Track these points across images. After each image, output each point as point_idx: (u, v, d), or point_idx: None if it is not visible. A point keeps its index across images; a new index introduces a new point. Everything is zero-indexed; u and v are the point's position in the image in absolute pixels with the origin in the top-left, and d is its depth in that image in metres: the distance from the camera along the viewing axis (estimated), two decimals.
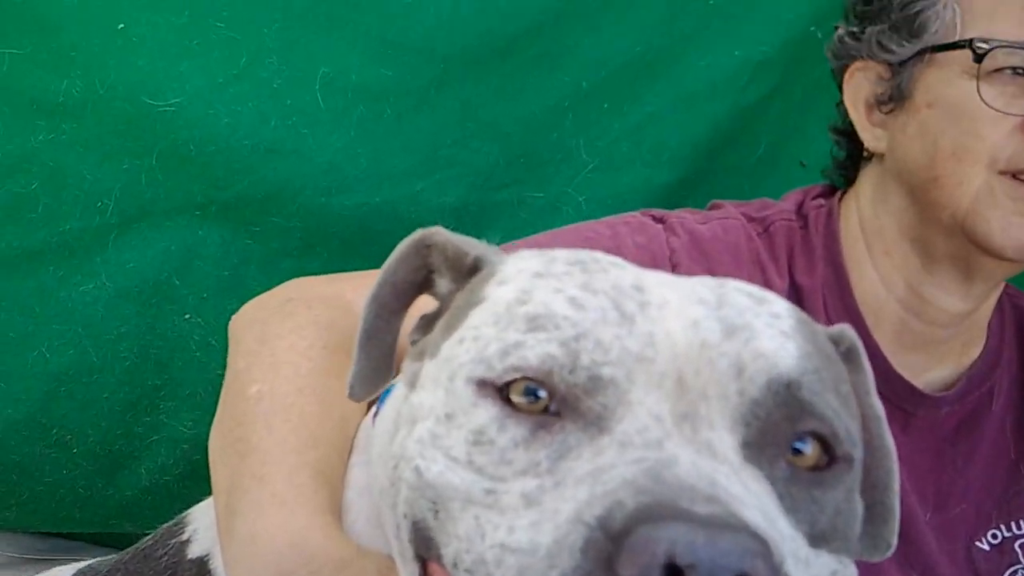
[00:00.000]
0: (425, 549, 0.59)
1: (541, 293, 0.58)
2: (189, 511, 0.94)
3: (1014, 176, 1.04)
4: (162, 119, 1.37)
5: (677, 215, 1.18)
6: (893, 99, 1.13)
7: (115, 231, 1.44)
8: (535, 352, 0.55)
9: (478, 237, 1.19)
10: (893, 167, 1.14)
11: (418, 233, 0.71)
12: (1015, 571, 1.15)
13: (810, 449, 0.56)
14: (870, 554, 0.70)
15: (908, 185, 1.12)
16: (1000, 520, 1.16)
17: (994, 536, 1.15)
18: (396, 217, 1.49)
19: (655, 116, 1.59)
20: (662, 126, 1.59)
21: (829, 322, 1.12)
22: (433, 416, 0.59)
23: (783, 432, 0.55)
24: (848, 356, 0.68)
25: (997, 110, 1.04)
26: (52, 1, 1.31)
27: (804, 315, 0.64)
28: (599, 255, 0.63)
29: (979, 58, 1.04)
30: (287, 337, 0.90)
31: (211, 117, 1.39)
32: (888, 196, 1.15)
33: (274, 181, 1.45)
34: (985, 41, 1.04)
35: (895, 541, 0.71)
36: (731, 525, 0.46)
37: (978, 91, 1.04)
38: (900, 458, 1.10)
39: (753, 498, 0.51)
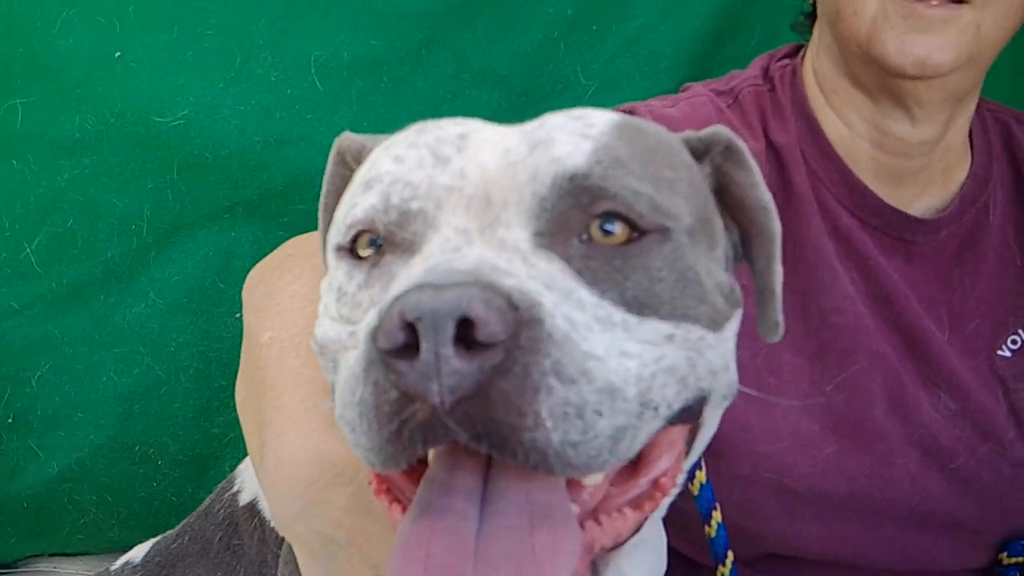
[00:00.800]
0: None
1: (379, 160, 0.66)
2: (238, 467, 1.01)
3: None
4: (174, 134, 1.42)
5: (646, 104, 1.21)
6: None
7: (153, 249, 1.49)
8: (361, 207, 0.64)
9: None
10: (820, 10, 1.17)
11: (335, 142, 0.79)
12: None
13: (617, 228, 0.61)
14: (764, 335, 0.76)
15: (828, 24, 1.14)
16: (1017, 325, 1.18)
17: (1014, 342, 1.18)
18: None
19: (645, 27, 1.60)
20: (654, 36, 1.60)
21: (811, 173, 1.15)
22: (325, 291, 0.69)
23: (574, 218, 0.61)
24: (728, 154, 0.73)
25: None
26: (49, 45, 1.36)
27: (635, 121, 0.68)
28: (450, 120, 0.69)
29: None
30: (289, 287, 0.96)
31: (219, 122, 1.43)
32: (823, 39, 1.18)
33: (290, 171, 1.49)
34: None
35: (781, 321, 0.75)
36: (462, 284, 0.51)
37: None
38: (909, 285, 1.15)
39: (537, 273, 0.57)
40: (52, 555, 1.71)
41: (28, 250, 1.45)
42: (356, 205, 0.65)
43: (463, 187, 0.62)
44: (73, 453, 1.57)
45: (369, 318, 0.58)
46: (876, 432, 1.13)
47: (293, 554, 0.81)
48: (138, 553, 1.06)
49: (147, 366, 1.55)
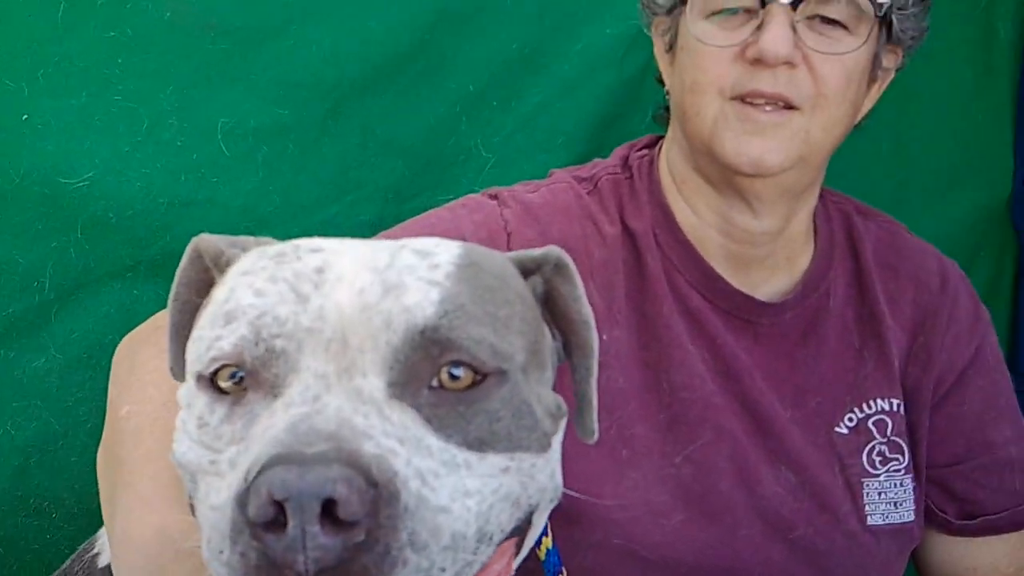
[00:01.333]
0: (195, 514, 0.71)
1: (239, 291, 0.69)
2: (98, 531, 1.03)
3: (742, 100, 1.14)
4: (79, 195, 1.45)
5: (510, 190, 1.29)
6: (672, 47, 1.26)
7: (55, 306, 1.51)
8: (229, 340, 0.66)
9: None
10: (671, 108, 1.27)
11: (192, 241, 0.82)
12: (872, 446, 1.26)
13: (462, 373, 0.66)
14: (581, 436, 0.81)
15: (677, 120, 1.24)
16: (853, 404, 1.26)
17: (850, 420, 1.26)
18: None
19: (543, 105, 1.69)
20: (551, 113, 1.70)
21: (665, 257, 1.23)
22: (184, 406, 0.72)
23: (424, 368, 0.66)
24: (557, 270, 0.79)
25: (707, 44, 1.15)
26: None
27: (474, 256, 0.73)
28: (305, 245, 0.72)
29: (688, 3, 1.17)
30: (151, 361, 0.99)
31: (124, 184, 1.47)
32: (675, 133, 1.27)
33: (194, 231, 1.44)
34: None
35: (595, 427, 0.82)
36: (326, 459, 0.56)
37: (691, 30, 1.17)
38: (756, 365, 1.24)
39: (390, 426, 0.62)
40: None
41: None
42: (220, 338, 0.66)
43: (322, 329, 0.65)
44: None
45: (232, 479, 0.62)
46: (722, 503, 1.20)
47: None
48: None
49: (45, 420, 1.56)
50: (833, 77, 1.13)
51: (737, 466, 1.21)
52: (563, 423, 0.77)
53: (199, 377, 0.69)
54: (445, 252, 0.72)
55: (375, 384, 0.64)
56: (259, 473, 0.57)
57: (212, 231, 1.52)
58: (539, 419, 0.72)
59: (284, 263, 0.70)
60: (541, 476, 0.71)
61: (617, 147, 1.39)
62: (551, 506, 0.77)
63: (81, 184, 1.44)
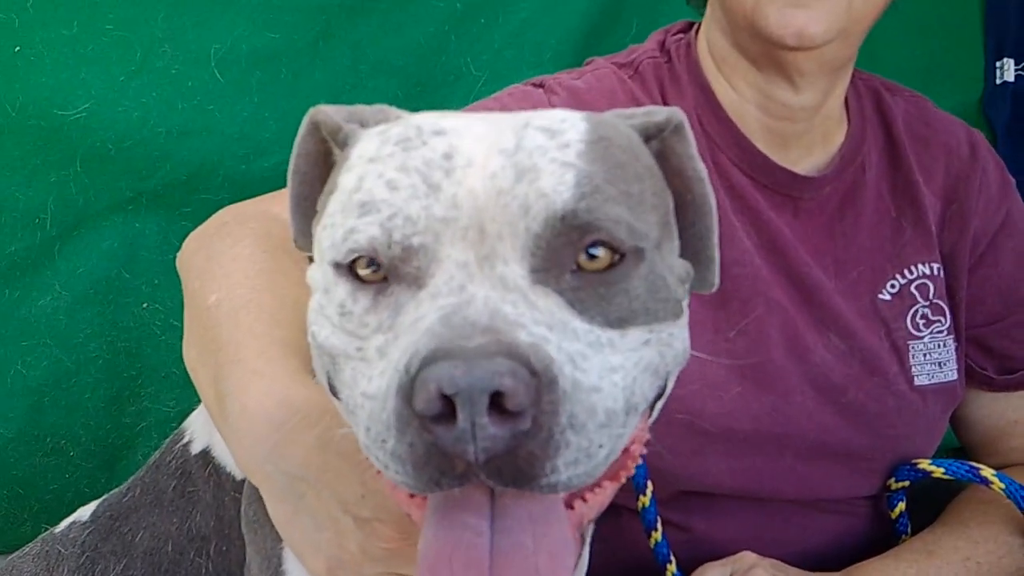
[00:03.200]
0: (335, 393, 0.72)
1: (369, 180, 0.69)
2: (186, 420, 1.04)
3: None
4: (76, 127, 1.44)
5: (555, 77, 1.29)
6: None
7: (58, 242, 1.51)
8: (364, 235, 0.67)
9: None
10: None
11: (309, 112, 0.80)
12: (915, 310, 1.30)
13: (600, 252, 0.67)
14: (699, 289, 0.83)
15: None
16: (895, 270, 1.30)
17: (892, 286, 1.30)
18: None
19: (529, 21, 1.70)
20: (538, 28, 1.71)
21: (708, 136, 1.25)
22: (319, 290, 0.72)
23: (565, 253, 0.67)
24: (675, 131, 0.79)
25: None
26: None
27: (602, 129, 0.72)
28: (427, 126, 0.71)
29: None
30: (230, 251, 0.99)
31: (121, 114, 1.46)
32: (714, 13, 1.27)
33: (193, 161, 1.53)
34: None
35: (717, 281, 0.84)
36: (490, 352, 0.58)
37: None
38: (797, 238, 1.26)
39: (539, 314, 0.63)
40: None
41: None
42: (355, 230, 0.67)
43: (457, 217, 0.66)
44: None
45: (382, 367, 0.64)
46: (776, 373, 1.23)
47: (257, 492, 0.86)
48: (85, 512, 1.08)
49: (55, 358, 1.57)
50: None
51: (788, 337, 1.24)
52: (689, 286, 0.78)
53: (337, 265, 0.70)
54: (573, 129, 0.71)
55: (517, 271, 0.65)
56: (422, 366, 0.59)
57: (211, 160, 1.55)
58: (672, 289, 0.73)
59: (411, 149, 0.69)
60: (676, 342, 0.73)
61: (652, 33, 1.38)
62: (680, 369, 0.78)
63: (77, 116, 1.44)
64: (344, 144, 0.77)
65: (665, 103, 1.26)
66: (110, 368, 1.60)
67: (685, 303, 0.76)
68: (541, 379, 0.59)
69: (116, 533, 1.01)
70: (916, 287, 1.30)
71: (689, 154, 0.79)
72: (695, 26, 1.35)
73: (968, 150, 1.35)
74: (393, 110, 0.79)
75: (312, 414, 0.80)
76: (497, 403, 0.57)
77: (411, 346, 0.61)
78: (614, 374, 0.65)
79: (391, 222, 0.66)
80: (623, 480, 0.72)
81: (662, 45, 1.33)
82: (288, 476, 0.81)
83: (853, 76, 1.32)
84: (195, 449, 0.98)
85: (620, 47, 1.57)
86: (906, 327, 1.29)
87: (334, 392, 0.72)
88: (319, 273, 0.73)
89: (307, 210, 0.80)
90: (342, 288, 0.69)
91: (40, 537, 1.10)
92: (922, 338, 1.30)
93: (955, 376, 1.31)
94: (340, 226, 0.69)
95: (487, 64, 1.69)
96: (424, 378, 0.58)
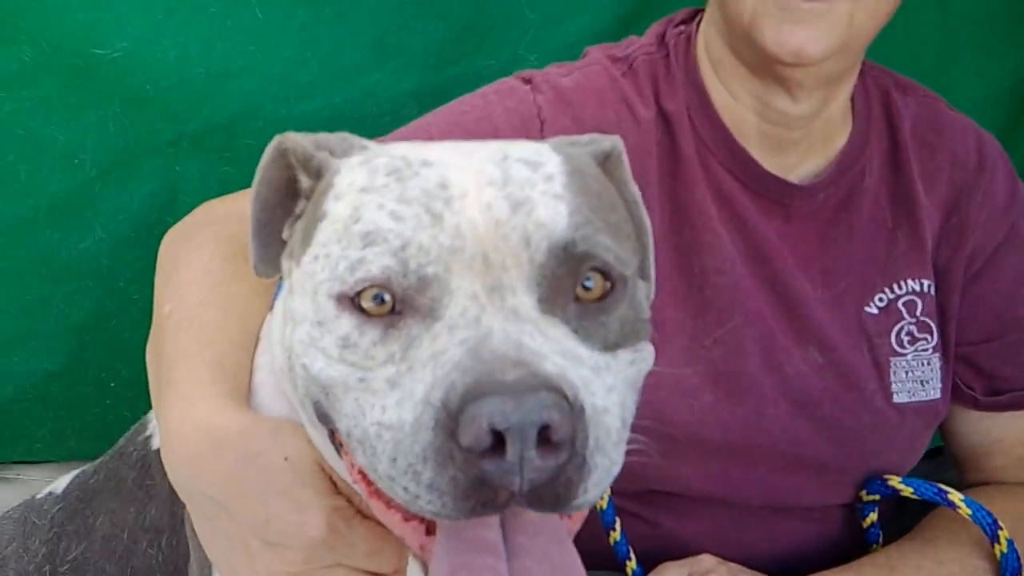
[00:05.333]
0: (325, 420, 0.75)
1: (369, 210, 0.70)
2: (149, 412, 1.06)
3: None
4: (114, 66, 1.42)
5: (543, 73, 1.26)
6: None
7: (98, 184, 1.50)
8: (376, 265, 0.68)
9: None
10: None
11: (275, 139, 0.81)
12: (901, 327, 1.26)
13: (594, 283, 0.71)
14: None
15: (717, 2, 1.19)
16: (884, 284, 1.25)
17: (880, 300, 1.25)
18: (358, 113, 1.55)
19: None
20: None
21: (698, 138, 1.21)
22: (308, 322, 0.72)
23: (568, 283, 0.70)
24: (616, 158, 0.83)
25: None
26: None
27: (573, 161, 0.76)
28: (413, 156, 0.73)
29: None
30: (189, 257, 1.01)
31: (159, 54, 1.43)
32: (713, 13, 1.22)
33: (233, 104, 1.50)
34: None
35: (652, 295, 0.86)
36: (532, 386, 0.60)
37: None
38: (787, 246, 1.23)
39: (552, 344, 0.66)
40: (15, 463, 1.78)
41: None
42: (365, 261, 0.68)
43: (463, 247, 0.68)
44: (27, 379, 1.62)
45: (407, 405, 0.65)
46: (750, 384, 1.21)
47: None
48: (60, 484, 1.12)
49: (97, 299, 1.58)
50: None
51: (765, 348, 1.22)
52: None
53: (340, 296, 0.70)
54: (550, 161, 0.75)
55: (527, 302, 0.68)
56: (465, 402, 0.60)
57: (251, 103, 1.51)
58: (645, 309, 0.77)
59: (405, 179, 0.71)
60: (649, 358, 0.77)
61: (653, 23, 1.33)
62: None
63: (115, 55, 1.41)
64: (317, 172, 0.78)
65: (658, 102, 1.23)
66: (149, 310, 1.58)
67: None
68: (576, 411, 0.62)
69: (80, 515, 1.05)
70: (904, 303, 1.26)
71: (626, 179, 0.84)
72: (699, 16, 1.28)
73: (976, 160, 1.28)
74: (356, 138, 0.82)
75: (225, 442, 0.82)
76: (544, 436, 0.60)
77: (443, 380, 0.62)
78: (613, 394, 0.69)
79: (405, 252, 0.68)
80: (609, 492, 0.78)
81: (661, 38, 1.29)
82: (205, 497, 0.83)
83: (864, 72, 1.25)
84: (154, 445, 1.01)
85: (677, 5, 1.48)
86: (890, 343, 1.25)
87: (324, 420, 0.74)
88: (306, 305, 0.73)
89: (267, 237, 0.82)
90: (346, 321, 0.70)
91: (23, 502, 1.14)
92: (905, 355, 1.26)
93: (938, 395, 1.27)
94: (342, 257, 0.70)
95: (542, 7, 1.61)
96: (473, 414, 0.60)
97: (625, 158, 0.84)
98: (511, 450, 0.59)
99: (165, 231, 1.55)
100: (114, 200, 1.52)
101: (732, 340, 1.21)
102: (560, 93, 1.22)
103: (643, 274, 0.83)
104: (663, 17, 1.61)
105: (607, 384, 0.69)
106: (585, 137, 0.84)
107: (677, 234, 1.21)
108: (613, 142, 0.83)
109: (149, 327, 1.60)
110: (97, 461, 1.09)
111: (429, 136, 1.16)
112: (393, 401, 0.66)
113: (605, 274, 0.71)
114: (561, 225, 0.69)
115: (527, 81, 1.24)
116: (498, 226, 0.68)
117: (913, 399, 1.25)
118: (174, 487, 0.88)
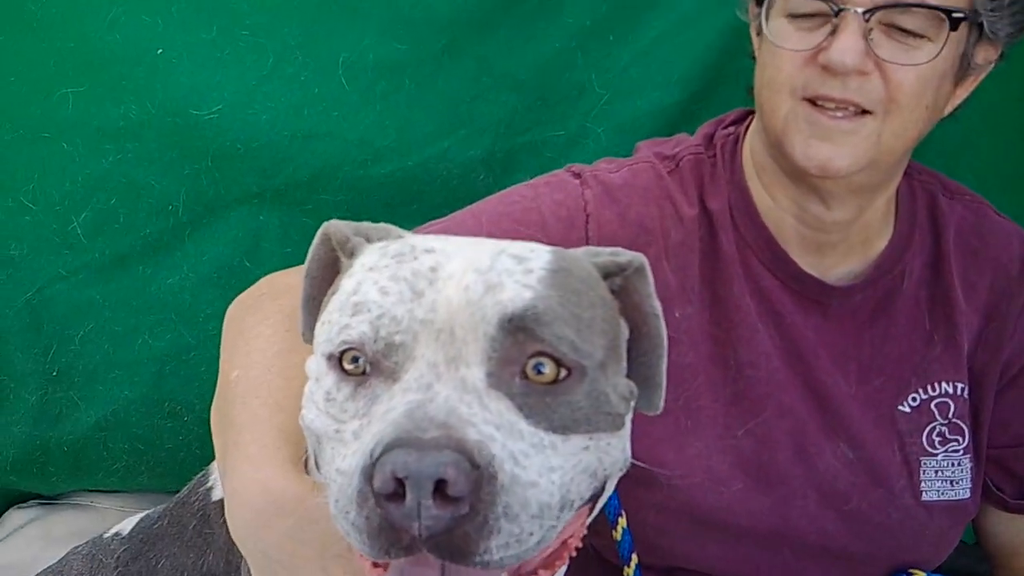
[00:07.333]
0: (318, 467, 0.82)
1: (365, 286, 0.79)
2: (211, 464, 1.13)
3: (811, 103, 1.13)
4: (209, 126, 1.54)
5: (592, 168, 1.31)
6: (759, 32, 1.24)
7: (188, 228, 1.62)
8: (356, 331, 0.76)
9: (508, 182, 1.36)
10: (755, 96, 1.25)
11: (323, 225, 0.91)
12: (932, 427, 1.27)
13: (547, 369, 0.75)
14: (645, 409, 0.89)
15: (758, 112, 1.24)
16: (918, 384, 1.27)
17: (914, 400, 1.27)
18: (429, 176, 1.64)
19: (659, 40, 1.68)
20: (667, 48, 1.68)
21: (739, 236, 1.25)
22: (312, 377, 0.82)
23: (515, 359, 0.75)
24: (636, 272, 0.87)
25: (779, 46, 1.15)
26: (99, 40, 1.48)
27: (564, 262, 0.82)
28: (421, 244, 0.81)
29: (767, 1, 1.17)
30: (256, 327, 1.09)
31: (251, 116, 1.55)
32: (758, 121, 1.26)
33: (315, 163, 1.60)
34: None
35: (661, 405, 0.90)
36: (440, 445, 0.67)
37: (766, 30, 1.17)
38: (823, 343, 1.26)
39: (489, 415, 0.72)
40: (89, 491, 1.88)
41: (75, 223, 1.59)
42: (348, 327, 0.77)
43: (434, 320, 0.75)
44: (109, 406, 1.72)
45: (356, 448, 0.73)
46: (779, 475, 1.24)
47: None
48: (126, 526, 1.19)
49: (178, 333, 1.69)
50: (907, 83, 1.11)
51: (796, 440, 1.25)
52: (633, 403, 0.85)
53: (329, 356, 0.79)
54: (538, 259, 0.80)
55: (476, 374, 0.74)
56: (383, 452, 0.68)
57: (331, 164, 1.62)
58: (614, 405, 0.80)
59: (404, 263, 0.79)
60: (615, 451, 0.81)
61: (702, 124, 1.38)
62: (621, 474, 0.85)
63: (211, 116, 1.53)
64: (351, 254, 0.87)
65: (702, 201, 1.27)
66: None
67: (628, 417, 0.84)
68: (482, 472, 0.67)
69: (144, 556, 1.11)
70: (936, 404, 1.27)
71: (647, 292, 0.88)
72: (748, 118, 1.32)
73: (1019, 267, 1.29)
74: (396, 229, 0.90)
75: (287, 505, 0.90)
76: (441, 489, 0.66)
77: (378, 434, 0.70)
78: (552, 473, 0.73)
79: (379, 321, 0.76)
80: (558, 568, 0.80)
81: (710, 139, 1.33)
82: (264, 555, 0.90)
83: (910, 175, 1.29)
84: (215, 496, 1.07)
85: (749, 71, 1.54)
86: (921, 443, 1.27)
87: (318, 467, 0.83)
88: (315, 363, 0.82)
89: (314, 309, 0.90)
90: (330, 377, 0.79)
91: (91, 539, 1.22)
92: (936, 456, 1.27)
93: (968, 495, 1.27)
94: (336, 323, 0.79)
95: (612, 82, 1.69)
96: (383, 462, 0.67)
97: (649, 273, 0.88)
98: (409, 496, 0.66)
99: (245, 274, 1.67)
100: (201, 244, 1.64)
101: (764, 432, 1.24)
102: (607, 188, 1.26)
103: (650, 382, 0.88)
104: (725, 96, 1.68)
105: (549, 462, 0.73)
106: (608, 249, 0.89)
107: (715, 326, 1.25)
108: (632, 257, 0.87)
109: None
110: (161, 507, 1.16)
111: (478, 222, 1.23)
112: (352, 451, 0.73)
113: (558, 361, 0.75)
114: (517, 305, 0.75)
115: (577, 176, 1.29)
116: (468, 304, 0.75)
117: (942, 498, 1.27)
118: (236, 542, 0.95)
